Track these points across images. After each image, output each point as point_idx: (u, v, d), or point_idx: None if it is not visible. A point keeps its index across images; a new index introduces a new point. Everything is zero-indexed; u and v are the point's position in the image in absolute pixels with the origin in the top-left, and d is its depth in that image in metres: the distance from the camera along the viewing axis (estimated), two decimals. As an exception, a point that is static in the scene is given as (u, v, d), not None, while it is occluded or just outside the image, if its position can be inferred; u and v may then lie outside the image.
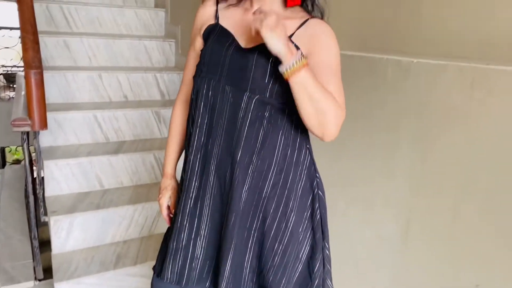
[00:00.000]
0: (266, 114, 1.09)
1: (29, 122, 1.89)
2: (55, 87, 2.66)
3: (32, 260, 2.27)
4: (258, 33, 0.94)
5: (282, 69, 0.95)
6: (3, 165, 7.21)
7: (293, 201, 1.14)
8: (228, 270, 1.11)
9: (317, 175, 1.21)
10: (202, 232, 1.15)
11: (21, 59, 2.17)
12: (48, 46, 2.82)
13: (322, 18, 1.15)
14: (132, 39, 3.13)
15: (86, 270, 1.99)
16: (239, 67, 1.06)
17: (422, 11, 1.42)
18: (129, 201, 2.29)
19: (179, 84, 1.32)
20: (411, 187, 1.37)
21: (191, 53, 1.25)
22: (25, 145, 2.06)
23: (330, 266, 1.27)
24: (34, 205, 2.14)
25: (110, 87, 2.85)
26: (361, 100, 1.54)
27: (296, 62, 0.93)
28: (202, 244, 1.15)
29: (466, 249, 1.20)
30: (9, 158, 9.21)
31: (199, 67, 1.15)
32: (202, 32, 1.17)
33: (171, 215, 1.30)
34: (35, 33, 1.97)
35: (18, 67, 7.40)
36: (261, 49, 1.05)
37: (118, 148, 2.54)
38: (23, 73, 2.51)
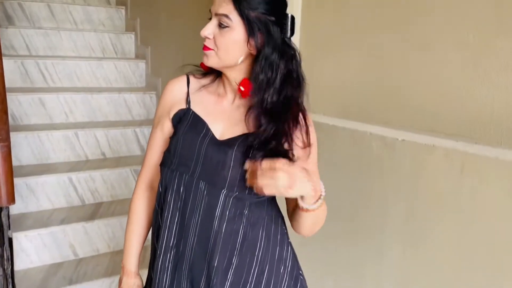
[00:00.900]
0: (245, 211, 1.00)
1: (-6, 197, 1.77)
2: (28, 148, 2.55)
3: None
4: (243, 123, 0.97)
5: (301, 204, 0.90)
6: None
7: (278, 305, 1.04)
8: None
9: (300, 272, 1.12)
10: None
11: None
12: (23, 104, 2.72)
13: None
14: (111, 92, 3.06)
15: None
16: (215, 162, 0.97)
17: (407, 83, 1.37)
18: (105, 272, 2.15)
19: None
20: (401, 270, 1.27)
21: (157, 134, 1.11)
22: (-9, 218, 1.93)
23: None
24: (2, 282, 1.98)
25: (87, 145, 2.74)
26: (345, 174, 1.46)
27: (317, 205, 0.89)
28: None
29: None
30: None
31: (168, 157, 1.04)
32: (171, 116, 1.07)
33: None
34: (3, 101, 1.86)
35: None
36: (239, 142, 0.97)
37: (94, 211, 2.41)
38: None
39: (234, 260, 1.00)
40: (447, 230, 1.13)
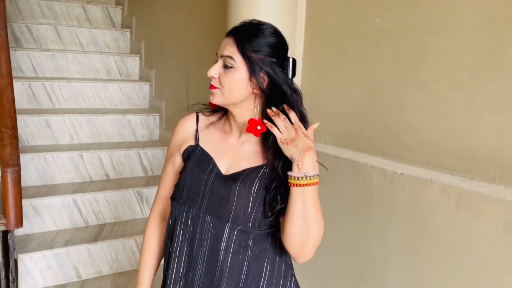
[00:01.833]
0: (250, 243, 1.04)
1: (4, 221, 1.81)
2: (34, 170, 2.60)
3: None
4: (248, 158, 1.02)
5: (289, 173, 0.94)
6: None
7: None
8: None
9: (304, 302, 1.15)
10: None
11: None
12: (29, 125, 2.79)
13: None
14: (116, 114, 3.12)
15: None
16: (220, 196, 1.02)
17: (404, 116, 1.43)
18: (108, 294, 2.18)
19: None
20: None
21: (169, 168, 1.19)
22: (-2, 240, 1.97)
23: None
24: (6, 303, 2.01)
25: (91, 166, 2.79)
26: (346, 204, 1.52)
27: (303, 178, 0.93)
28: None
29: None
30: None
31: (177, 191, 1.10)
32: (182, 151, 1.13)
33: None
34: (14, 127, 1.93)
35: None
36: (243, 177, 1.03)
37: (98, 233, 2.45)
38: None
39: None
40: (443, 263, 1.18)
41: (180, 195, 1.08)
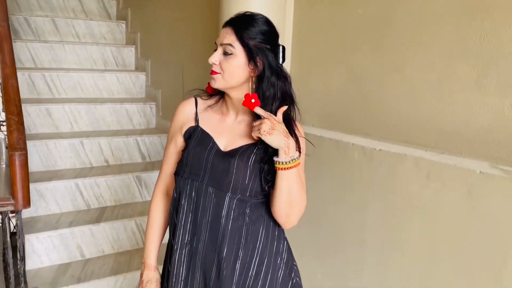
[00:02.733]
0: (247, 210, 1.18)
1: (12, 201, 1.92)
2: (37, 156, 2.71)
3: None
4: (243, 136, 1.14)
5: (276, 159, 1.08)
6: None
7: (275, 290, 1.21)
8: None
9: (294, 263, 1.30)
10: None
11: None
12: (31, 114, 2.89)
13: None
14: (114, 103, 3.23)
15: None
16: (221, 170, 1.15)
17: (383, 97, 1.57)
18: (111, 271, 2.31)
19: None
20: (379, 263, 1.46)
21: (171, 148, 1.31)
22: (6, 220, 2.08)
23: None
24: (15, 281, 2.14)
25: (91, 153, 2.91)
26: (332, 181, 1.65)
27: (290, 162, 1.07)
28: None
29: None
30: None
31: (181, 167, 1.23)
32: (183, 132, 1.26)
33: None
34: (20, 114, 2.04)
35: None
36: (240, 152, 1.16)
37: (100, 215, 2.58)
38: (2, 137, 2.56)
39: (240, 253, 1.17)
40: (416, 226, 1.33)
41: (183, 170, 1.21)
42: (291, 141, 1.08)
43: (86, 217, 2.53)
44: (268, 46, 1.13)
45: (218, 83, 1.16)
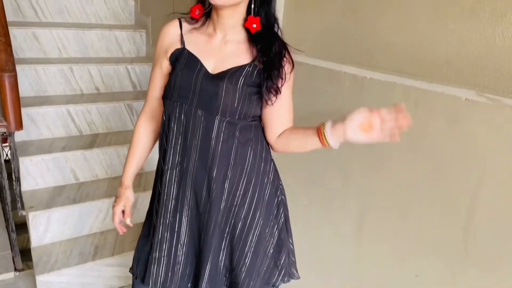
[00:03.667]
0: (236, 133, 1.21)
1: (4, 123, 1.94)
2: (26, 81, 2.67)
3: (11, 251, 2.35)
4: (231, 57, 1.18)
5: (328, 135, 1.19)
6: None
7: (261, 207, 1.29)
8: (207, 272, 1.26)
9: (280, 182, 1.36)
10: (182, 240, 1.28)
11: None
12: (17, 38, 2.81)
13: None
14: (102, 29, 3.14)
15: (66, 262, 2.10)
16: (210, 93, 1.16)
17: (377, 28, 1.56)
18: (105, 194, 2.39)
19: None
20: (363, 191, 1.54)
21: (157, 72, 1.30)
22: (-1, 143, 2.11)
23: (294, 258, 1.44)
24: (11, 200, 2.21)
25: (81, 80, 2.88)
26: (323, 107, 1.69)
27: (328, 144, 1.20)
28: (183, 250, 1.29)
29: (408, 246, 1.39)
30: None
31: (168, 90, 1.22)
32: (169, 55, 1.24)
33: (123, 223, 1.37)
34: (7, 34, 1.99)
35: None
36: (229, 75, 1.17)
37: (92, 141, 2.61)
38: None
39: (229, 173, 1.22)
40: (402, 154, 1.38)
41: (172, 93, 1.21)
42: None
43: (79, 143, 2.57)
44: None
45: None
